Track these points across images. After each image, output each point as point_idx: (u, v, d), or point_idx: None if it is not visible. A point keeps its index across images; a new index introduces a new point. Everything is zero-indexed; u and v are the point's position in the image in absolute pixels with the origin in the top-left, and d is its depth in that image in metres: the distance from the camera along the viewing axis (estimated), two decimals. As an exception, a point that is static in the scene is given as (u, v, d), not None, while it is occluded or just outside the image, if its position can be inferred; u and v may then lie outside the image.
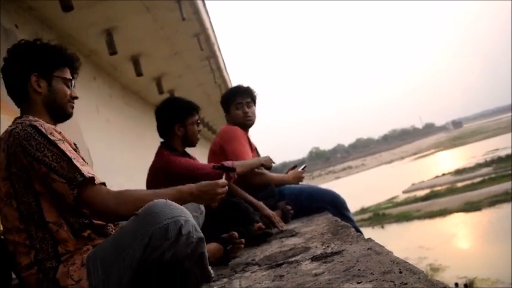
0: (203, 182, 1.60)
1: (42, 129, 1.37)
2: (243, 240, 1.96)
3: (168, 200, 1.35)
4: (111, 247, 1.34)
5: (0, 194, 1.38)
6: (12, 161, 1.36)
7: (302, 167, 3.03)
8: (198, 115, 2.58)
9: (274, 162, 2.94)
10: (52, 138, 1.37)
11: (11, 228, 1.37)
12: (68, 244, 1.37)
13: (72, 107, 1.59)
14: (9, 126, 1.43)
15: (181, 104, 2.59)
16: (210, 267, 1.46)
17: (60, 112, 1.55)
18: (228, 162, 2.37)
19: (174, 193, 1.51)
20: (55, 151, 1.35)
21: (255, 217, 2.24)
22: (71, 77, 1.58)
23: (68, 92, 1.56)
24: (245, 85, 3.07)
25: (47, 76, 1.52)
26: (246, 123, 2.99)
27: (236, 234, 2.00)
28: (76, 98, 1.59)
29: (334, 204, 2.83)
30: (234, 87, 3.16)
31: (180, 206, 1.36)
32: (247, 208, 2.22)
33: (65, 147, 1.38)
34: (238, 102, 2.98)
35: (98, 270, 1.32)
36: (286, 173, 3.03)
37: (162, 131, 2.55)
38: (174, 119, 2.49)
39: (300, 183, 3.00)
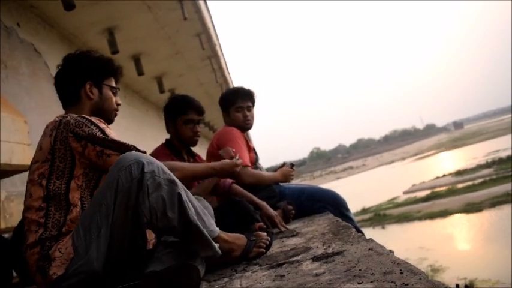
0: (224, 161, 2.08)
1: (92, 119, 1.55)
2: (267, 240, 1.79)
3: (136, 151, 1.49)
4: (90, 207, 1.44)
5: (33, 175, 1.51)
6: (59, 146, 1.49)
7: (290, 165, 3.04)
8: (197, 116, 2.57)
9: (291, 178, 2.98)
10: (101, 125, 1.56)
11: (31, 206, 1.48)
12: (73, 225, 1.45)
13: (116, 115, 1.83)
14: (57, 117, 1.57)
15: (177, 102, 2.60)
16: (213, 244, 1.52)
17: (106, 117, 1.74)
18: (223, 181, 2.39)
19: (203, 166, 2.09)
20: (106, 133, 1.53)
21: (256, 216, 2.24)
22: (116, 86, 1.82)
23: (114, 99, 1.78)
24: (246, 88, 3.08)
25: (98, 84, 1.74)
26: (245, 126, 3.02)
27: (263, 226, 2.03)
28: (119, 104, 1.83)
29: (334, 204, 2.83)
30: (236, 89, 3.15)
31: (145, 153, 1.49)
32: (248, 207, 2.22)
33: (110, 131, 1.57)
34: (239, 106, 3.00)
35: (80, 231, 1.39)
36: (275, 171, 3.04)
37: (166, 127, 2.63)
38: (168, 116, 2.57)
39: (297, 182, 3.01)
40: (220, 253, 1.57)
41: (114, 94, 1.80)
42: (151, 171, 1.39)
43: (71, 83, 1.70)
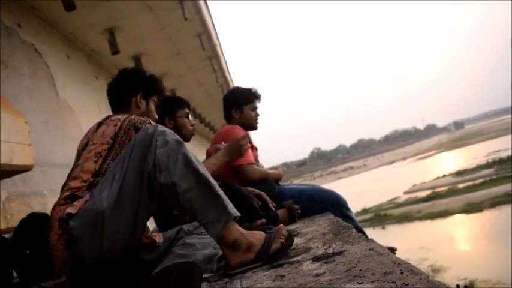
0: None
1: (150, 120, 1.78)
2: (285, 232, 1.63)
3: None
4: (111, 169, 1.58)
5: (90, 152, 1.66)
6: (121, 135, 1.69)
7: (281, 165, 3.14)
8: (189, 110, 2.64)
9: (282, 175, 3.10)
10: None
11: (79, 176, 1.62)
12: None
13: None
14: (122, 116, 1.77)
15: (171, 99, 2.71)
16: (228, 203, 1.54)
17: None
18: None
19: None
20: None
21: (258, 210, 2.24)
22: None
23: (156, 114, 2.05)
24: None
25: (146, 97, 1.99)
26: (254, 126, 3.14)
27: (265, 222, 2.09)
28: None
29: (335, 205, 2.83)
30: (251, 89, 3.18)
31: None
32: (248, 195, 2.23)
33: None
34: (255, 106, 3.12)
35: (99, 183, 1.55)
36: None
37: None
38: (164, 112, 2.54)
39: (298, 183, 3.02)
40: (239, 214, 1.53)
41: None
42: (163, 131, 1.55)
43: (124, 92, 1.96)
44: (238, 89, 3.25)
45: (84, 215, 1.47)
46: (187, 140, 2.62)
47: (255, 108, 3.12)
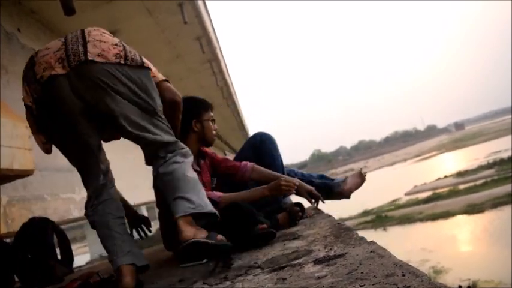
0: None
1: None
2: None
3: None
4: None
5: None
6: None
7: None
8: (213, 113, 2.53)
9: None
10: None
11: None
12: None
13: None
14: None
15: (196, 100, 2.51)
16: None
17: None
18: (215, 194, 2.31)
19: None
20: None
21: (260, 218, 2.22)
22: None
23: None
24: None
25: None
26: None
27: (266, 227, 2.09)
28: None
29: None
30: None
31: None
32: (251, 209, 2.19)
33: None
34: (213, 117, 2.65)
35: None
36: None
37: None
38: (191, 114, 2.38)
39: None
40: None
41: (212, 121, 2.48)
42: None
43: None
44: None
45: None
46: (210, 145, 2.52)
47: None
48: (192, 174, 1.77)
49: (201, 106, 2.49)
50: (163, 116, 1.80)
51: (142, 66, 1.73)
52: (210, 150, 2.62)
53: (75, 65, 1.62)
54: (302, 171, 3.02)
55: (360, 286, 1.10)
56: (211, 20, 6.50)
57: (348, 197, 2.93)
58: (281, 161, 2.80)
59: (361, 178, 2.98)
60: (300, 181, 2.50)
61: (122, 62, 1.67)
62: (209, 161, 2.56)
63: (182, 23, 4.85)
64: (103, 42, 1.69)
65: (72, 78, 1.63)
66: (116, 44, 1.72)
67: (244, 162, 2.55)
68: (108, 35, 1.77)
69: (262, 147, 2.73)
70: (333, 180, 2.97)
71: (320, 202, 2.65)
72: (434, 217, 20.83)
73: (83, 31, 1.73)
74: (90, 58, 1.62)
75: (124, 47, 1.73)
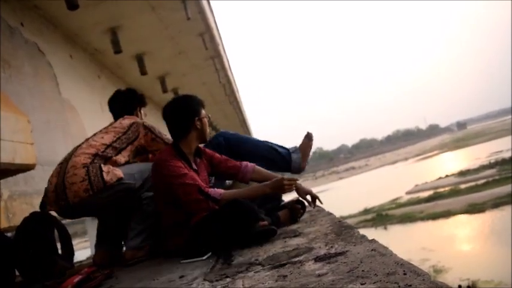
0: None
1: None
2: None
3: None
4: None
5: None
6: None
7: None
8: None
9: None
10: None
11: (94, 146, 2.42)
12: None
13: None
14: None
15: (193, 98, 2.47)
16: None
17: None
18: (216, 191, 2.27)
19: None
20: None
21: (261, 215, 2.22)
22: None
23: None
24: None
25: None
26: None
27: (266, 224, 2.12)
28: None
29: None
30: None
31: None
32: (252, 206, 2.18)
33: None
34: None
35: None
36: None
37: (179, 130, 2.39)
38: (192, 112, 2.38)
39: (299, 183, 2.93)
40: None
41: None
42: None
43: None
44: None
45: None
46: (206, 142, 2.52)
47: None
48: None
49: (199, 103, 2.47)
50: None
51: (105, 185, 2.29)
52: (208, 149, 2.61)
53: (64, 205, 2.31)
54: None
55: (361, 284, 1.09)
56: (214, 17, 6.49)
57: (303, 168, 3.02)
58: (252, 138, 3.01)
59: (308, 138, 3.00)
60: (300, 184, 2.50)
61: (91, 193, 2.25)
62: (207, 160, 2.54)
63: (185, 19, 4.84)
64: (74, 184, 2.27)
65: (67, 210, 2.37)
66: (83, 179, 2.28)
67: (245, 163, 2.54)
68: (78, 170, 2.33)
69: (232, 145, 2.85)
70: (288, 150, 2.99)
71: (318, 202, 2.64)
72: (435, 216, 20.83)
73: (64, 173, 2.32)
74: (71, 203, 2.28)
75: (89, 178, 2.29)
